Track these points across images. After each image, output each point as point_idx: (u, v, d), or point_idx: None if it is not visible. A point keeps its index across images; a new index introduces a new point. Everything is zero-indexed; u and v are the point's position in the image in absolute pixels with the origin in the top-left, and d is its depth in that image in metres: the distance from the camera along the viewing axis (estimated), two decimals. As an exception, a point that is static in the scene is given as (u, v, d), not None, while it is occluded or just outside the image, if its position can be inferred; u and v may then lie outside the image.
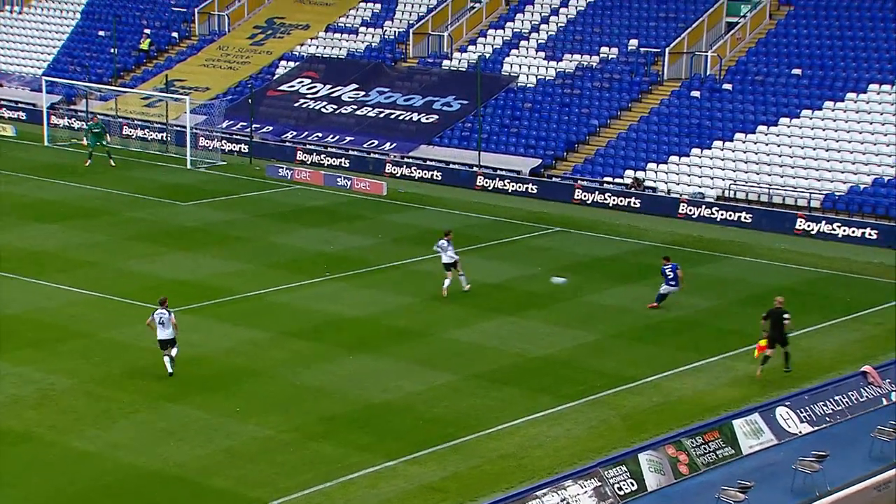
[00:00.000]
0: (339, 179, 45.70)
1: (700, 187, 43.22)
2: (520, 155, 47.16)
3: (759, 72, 47.65)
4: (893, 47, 46.59)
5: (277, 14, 60.29)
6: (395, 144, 49.25)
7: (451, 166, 47.13)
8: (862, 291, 33.25)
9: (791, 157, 43.48)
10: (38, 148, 49.91)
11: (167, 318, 25.44)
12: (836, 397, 24.27)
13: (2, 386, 24.70)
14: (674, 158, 44.93)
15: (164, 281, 31.94)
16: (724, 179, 43.37)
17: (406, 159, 48.17)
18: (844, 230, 39.23)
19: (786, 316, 26.22)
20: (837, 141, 43.37)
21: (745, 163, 43.79)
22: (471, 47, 54.31)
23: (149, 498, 20.68)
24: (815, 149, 43.37)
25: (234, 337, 28.31)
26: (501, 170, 46.25)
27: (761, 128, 44.98)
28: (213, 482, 21.14)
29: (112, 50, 58.02)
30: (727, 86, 47.43)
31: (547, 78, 50.86)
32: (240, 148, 50.49)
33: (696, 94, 47.60)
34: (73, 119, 53.84)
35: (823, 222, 39.82)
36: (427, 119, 50.40)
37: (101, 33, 60.88)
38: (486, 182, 45.69)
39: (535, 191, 44.72)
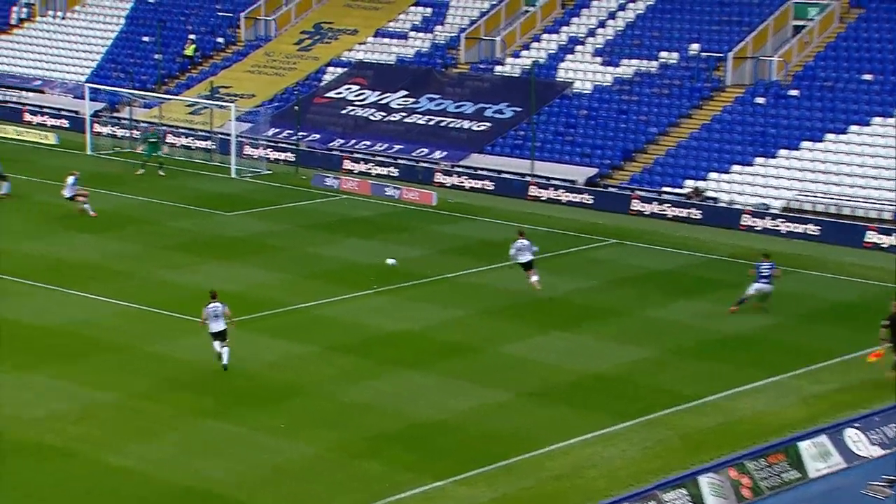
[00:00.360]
0: (387, 189, 45.83)
1: (764, 198, 42.82)
2: (575, 164, 47.03)
3: (827, 77, 47.16)
4: (970, 51, 46.01)
5: (325, 19, 60.69)
6: (445, 153, 49.32)
7: (503, 175, 47.10)
8: (936, 308, 32.67)
9: (861, 167, 42.95)
10: (81, 156, 50.58)
11: (221, 311, 26.63)
12: (909, 419, 23.90)
13: (42, 400, 25.00)
14: (736, 168, 44.57)
15: (207, 293, 32.12)
16: (789, 190, 42.94)
17: (456, 168, 48.22)
18: (917, 243, 38.71)
19: None
20: (910, 149, 42.85)
21: (812, 172, 43.33)
22: (524, 52, 54.28)
23: (189, 516, 20.82)
24: (886, 158, 42.80)
25: (279, 351, 28.45)
26: (555, 179, 46.14)
27: (829, 136, 44.50)
28: (255, 501, 21.22)
29: (156, 56, 58.73)
30: (794, 92, 47.00)
31: (604, 84, 50.69)
32: (285, 157, 50.84)
33: (760, 100, 47.22)
34: (117, 127, 54.53)
35: (894, 235, 39.28)
36: (479, 127, 50.43)
37: (146, 39, 61.61)
38: (540, 192, 45.60)
39: (591, 201, 44.56)
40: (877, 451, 23.07)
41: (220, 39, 61.09)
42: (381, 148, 50.47)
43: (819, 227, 40.49)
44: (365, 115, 52.94)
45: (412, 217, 42.65)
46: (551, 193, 45.38)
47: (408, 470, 22.32)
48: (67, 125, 56.07)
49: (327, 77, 56.34)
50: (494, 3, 56.69)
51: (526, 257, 32.66)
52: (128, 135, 53.24)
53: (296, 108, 52.02)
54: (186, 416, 24.44)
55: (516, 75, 52.80)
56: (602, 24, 53.80)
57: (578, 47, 53.08)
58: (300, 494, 21.39)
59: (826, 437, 22.73)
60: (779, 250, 38.65)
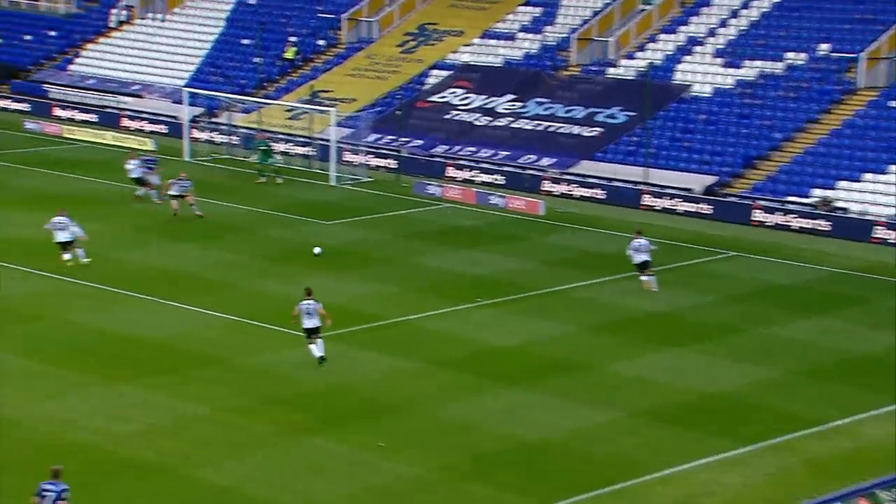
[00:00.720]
0: (492, 197, 45.95)
1: (898, 208, 42.05)
2: (692, 172, 46.64)
3: (968, 79, 46.13)
4: None
5: (430, 20, 61.12)
6: (553, 160, 49.28)
7: (615, 184, 46.89)
8: None
9: None
10: (179, 163, 51.66)
11: (314, 308, 27.54)
12: None
13: (137, 414, 25.55)
14: (868, 176, 43.79)
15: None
16: (925, 200, 42.09)
17: (565, 176, 48.15)
18: None
19: None
20: None
21: (951, 181, 42.39)
22: (639, 54, 54.00)
23: (285, 536, 21.09)
24: None
25: (379, 366, 28.70)
26: (671, 188, 45.81)
27: (970, 142, 43.51)
28: (354, 522, 21.44)
29: (256, 59, 59.74)
30: (930, 94, 46.07)
31: (724, 87, 50.20)
32: (387, 163, 51.29)
33: (895, 104, 46.32)
34: (215, 133, 55.58)
35: None
36: (589, 132, 50.29)
37: (245, 42, 62.68)
38: (654, 201, 45.30)
39: (709, 211, 44.15)
40: None
41: (321, 42, 61.89)
42: (487, 154, 50.63)
43: (958, 241, 39.58)
44: (470, 120, 53.16)
45: (518, 227, 42.68)
46: (666, 203, 45.04)
47: (513, 492, 22.31)
48: (166, 131, 57.30)
49: (431, 80, 56.72)
50: (608, 1, 56.54)
51: (642, 257, 32.69)
52: (226, 140, 54.24)
53: (398, 112, 52.44)
54: (284, 432, 24.77)
55: (630, 78, 52.54)
56: (723, 24, 53.29)
57: (697, 48, 52.63)
58: (400, 516, 21.53)
59: (964, 467, 22.15)
60: (913, 265, 37.90)
